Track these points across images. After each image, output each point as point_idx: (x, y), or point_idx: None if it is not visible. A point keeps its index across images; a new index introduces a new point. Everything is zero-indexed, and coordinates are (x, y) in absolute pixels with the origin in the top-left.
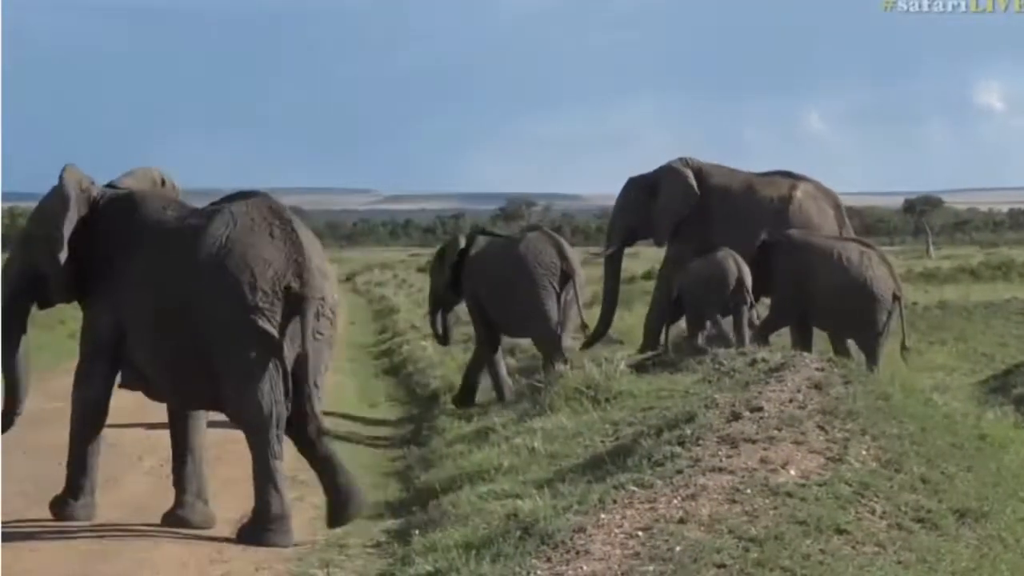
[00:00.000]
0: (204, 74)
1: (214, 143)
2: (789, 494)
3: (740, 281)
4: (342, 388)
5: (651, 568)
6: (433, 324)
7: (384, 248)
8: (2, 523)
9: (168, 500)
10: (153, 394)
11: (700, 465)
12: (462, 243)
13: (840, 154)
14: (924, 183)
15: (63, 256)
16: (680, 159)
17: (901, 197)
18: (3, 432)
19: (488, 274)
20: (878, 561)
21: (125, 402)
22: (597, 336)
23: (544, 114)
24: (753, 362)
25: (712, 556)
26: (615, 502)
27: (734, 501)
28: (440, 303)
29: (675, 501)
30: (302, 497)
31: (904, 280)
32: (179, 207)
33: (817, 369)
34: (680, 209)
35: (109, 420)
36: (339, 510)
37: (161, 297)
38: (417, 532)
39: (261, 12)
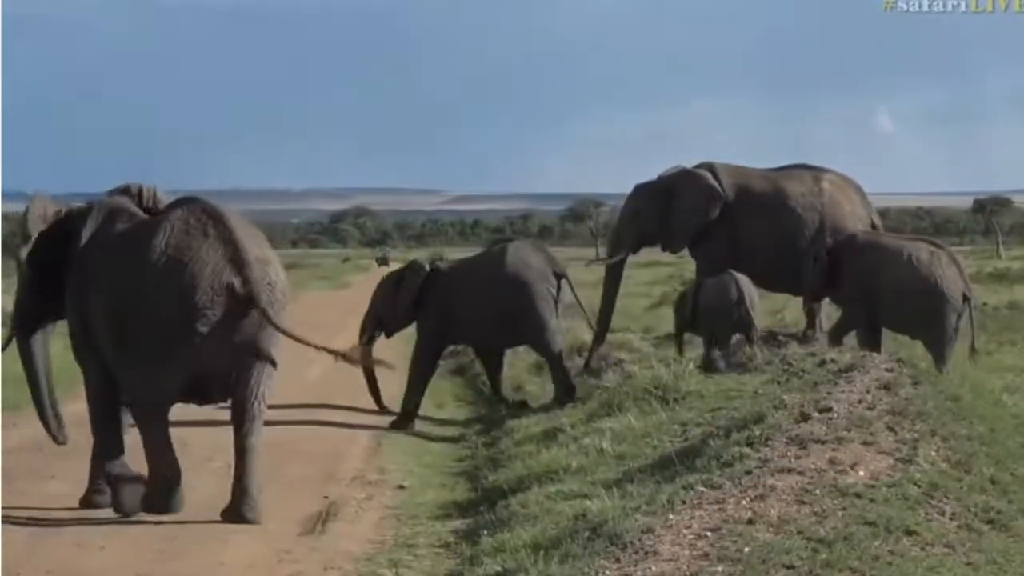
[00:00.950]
0: (273, 74)
1: (282, 143)
2: (858, 495)
3: (741, 301)
4: None
5: (720, 569)
6: (370, 349)
7: (453, 248)
8: (74, 520)
9: None
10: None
11: (769, 466)
12: (425, 269)
13: (910, 154)
14: (994, 183)
15: (31, 282)
16: (676, 166)
17: (971, 197)
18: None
19: (474, 292)
20: (947, 562)
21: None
22: (597, 344)
23: (613, 114)
24: (822, 363)
25: (781, 557)
26: (684, 503)
27: (803, 502)
28: (384, 328)
29: (744, 502)
30: (371, 497)
31: (974, 280)
32: (130, 216)
33: (886, 370)
34: (707, 212)
35: (180, 419)
36: (233, 506)
37: (114, 301)
38: (485, 532)
39: (330, 11)
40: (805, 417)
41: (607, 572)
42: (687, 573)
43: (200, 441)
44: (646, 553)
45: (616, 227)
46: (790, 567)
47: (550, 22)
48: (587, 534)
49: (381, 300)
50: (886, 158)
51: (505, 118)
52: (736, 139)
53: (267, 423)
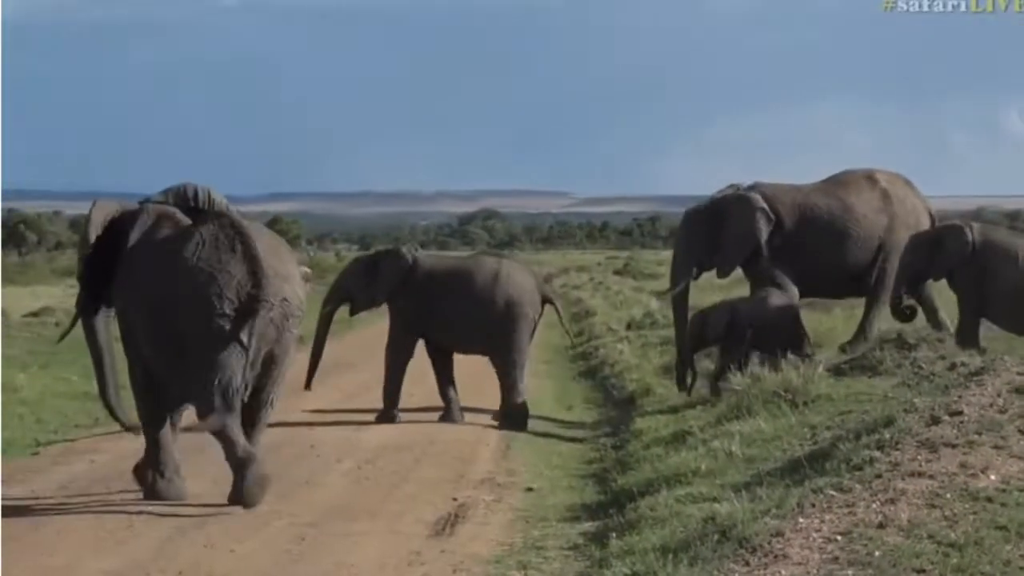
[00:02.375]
0: (401, 76)
1: (412, 145)
2: (989, 499)
3: (799, 319)
4: (540, 391)
5: (850, 573)
6: (327, 323)
7: (581, 251)
8: (205, 520)
9: (367, 501)
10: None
11: (899, 469)
12: (408, 259)
13: None
14: None
15: (85, 280)
16: (729, 186)
17: None
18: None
19: (460, 295)
20: None
21: (322, 404)
22: (682, 368)
23: (742, 115)
24: (953, 366)
25: (911, 561)
26: (813, 506)
27: (933, 506)
28: (352, 305)
29: (874, 505)
30: (500, 499)
31: None
32: (174, 223)
33: (1018, 373)
34: (758, 234)
35: (307, 421)
36: (236, 492)
37: (153, 309)
38: (614, 535)
39: (455, 12)
40: (935, 420)
41: None
42: None
43: (329, 442)
44: (775, 556)
45: (673, 257)
46: (920, 571)
47: (679, 23)
48: (716, 537)
49: (353, 279)
50: (1018, 158)
51: (634, 119)
52: (862, 140)
53: (399, 423)
